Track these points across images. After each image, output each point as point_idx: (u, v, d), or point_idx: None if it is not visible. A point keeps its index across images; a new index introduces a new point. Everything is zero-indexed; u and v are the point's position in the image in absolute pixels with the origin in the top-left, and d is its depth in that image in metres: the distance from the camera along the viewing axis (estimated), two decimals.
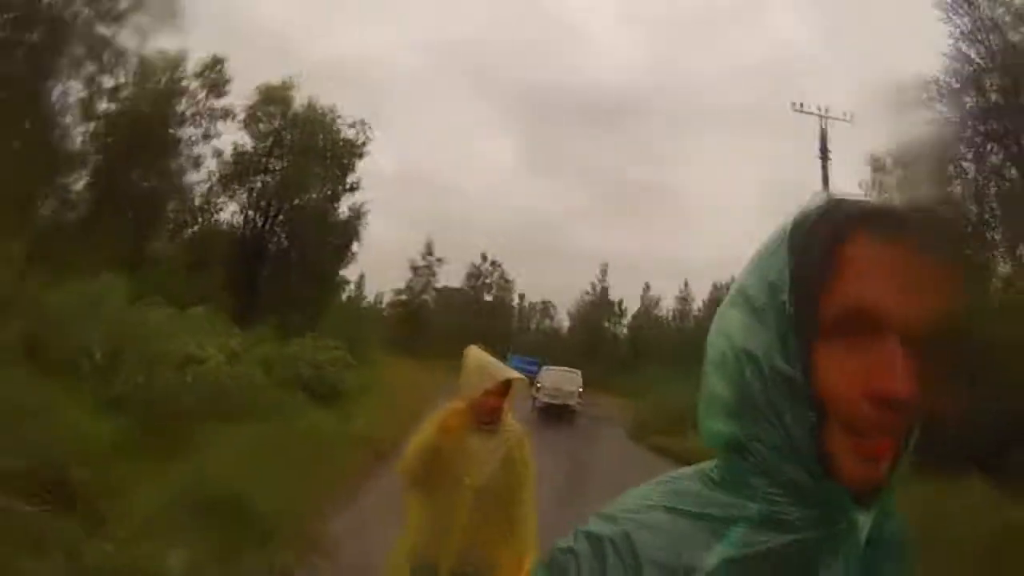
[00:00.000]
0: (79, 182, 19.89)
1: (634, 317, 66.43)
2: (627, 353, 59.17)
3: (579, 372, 29.55)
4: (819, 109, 23.21)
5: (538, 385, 26.56)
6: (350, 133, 26.53)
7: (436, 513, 3.35)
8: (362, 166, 26.94)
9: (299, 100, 25.51)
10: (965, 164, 15.41)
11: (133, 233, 20.38)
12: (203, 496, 4.73)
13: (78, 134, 19.69)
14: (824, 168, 22.86)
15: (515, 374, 3.39)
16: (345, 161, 26.36)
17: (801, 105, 23.45)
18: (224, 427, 6.60)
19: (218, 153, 23.90)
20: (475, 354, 3.48)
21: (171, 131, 22.00)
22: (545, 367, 30.05)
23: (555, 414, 24.74)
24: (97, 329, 6.08)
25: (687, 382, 17.99)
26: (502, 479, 3.40)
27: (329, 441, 8.40)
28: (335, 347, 15.75)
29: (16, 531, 3.33)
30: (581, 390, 27.80)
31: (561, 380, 27.87)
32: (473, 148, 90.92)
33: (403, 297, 59.97)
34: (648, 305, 66.07)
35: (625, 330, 66.40)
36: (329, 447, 8.08)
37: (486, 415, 3.34)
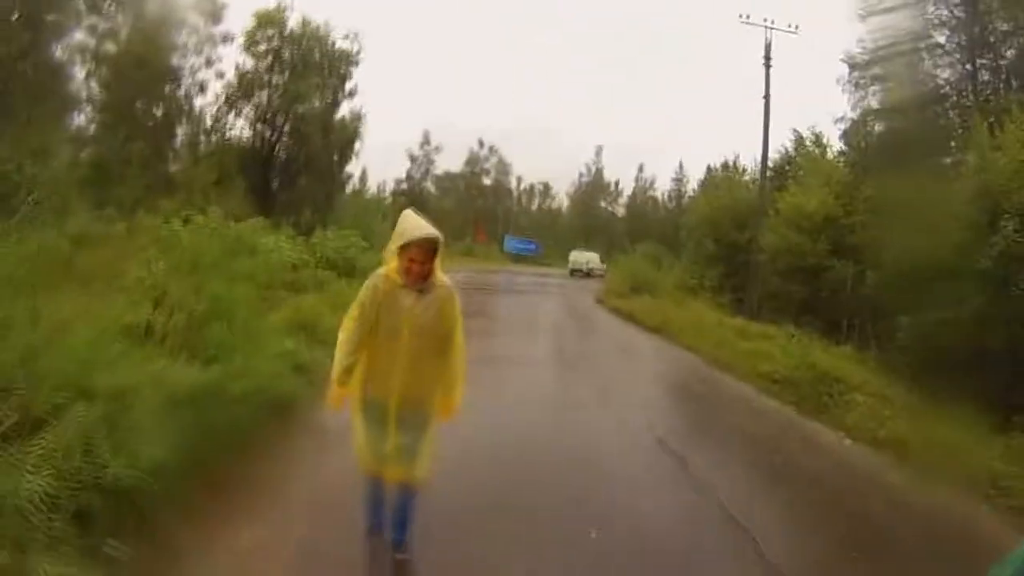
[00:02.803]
0: (91, 122, 22.40)
1: (630, 198, 69.36)
2: (624, 231, 62.38)
3: (596, 253, 51.78)
4: (765, 20, 26.73)
5: (570, 259, 51.19)
6: (344, 44, 28.49)
7: (382, 360, 3.90)
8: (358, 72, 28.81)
9: (293, 20, 27.27)
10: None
11: (153, 159, 22.67)
12: (295, 322, 9.33)
13: (84, 78, 22.03)
14: (767, 75, 26.13)
15: (421, 234, 3.69)
16: (342, 71, 28.39)
17: (748, 17, 27.10)
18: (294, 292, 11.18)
19: (221, 75, 25.91)
20: (403, 216, 3.89)
21: (171, 60, 23.83)
22: (573, 250, 53.36)
23: (579, 275, 47.11)
24: (211, 238, 9.92)
25: (654, 259, 22.99)
26: (435, 328, 3.89)
27: (351, 301, 12.65)
28: (351, 235, 19.38)
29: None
30: (599, 263, 49.37)
31: (580, 257, 51.02)
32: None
33: (404, 186, 62.15)
34: (643, 186, 68.65)
35: (623, 210, 69.53)
36: (351, 305, 12.34)
37: (413, 278, 3.80)
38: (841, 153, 22.66)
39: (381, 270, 3.93)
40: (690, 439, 7.97)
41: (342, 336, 4.01)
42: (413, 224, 3.75)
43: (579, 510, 5.32)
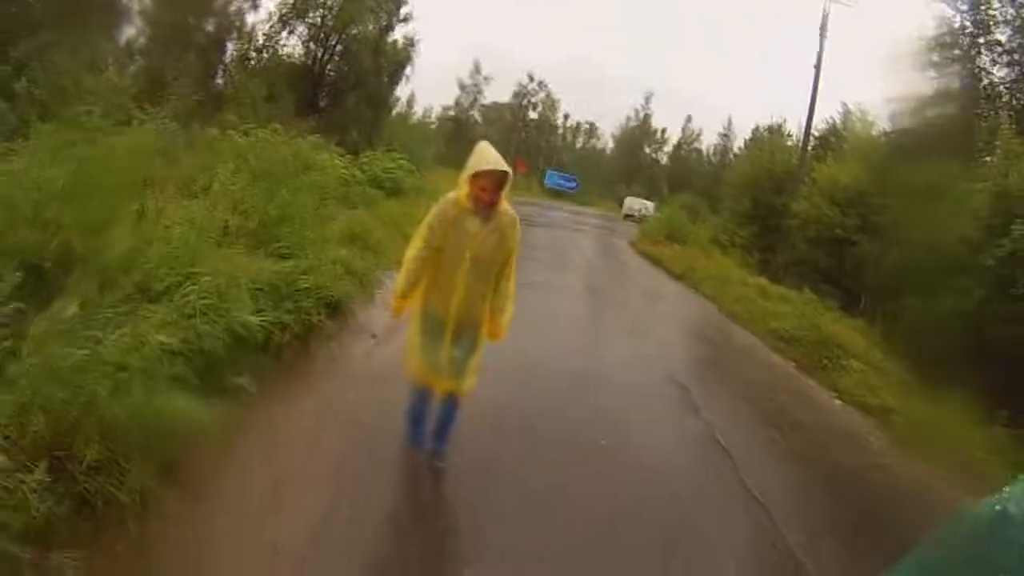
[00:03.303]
0: (140, 36, 21.72)
1: (675, 147, 68.95)
2: (665, 178, 62.47)
3: (650, 201, 50.77)
4: None
5: (624, 204, 51.29)
6: None
7: (445, 278, 4.13)
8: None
9: None
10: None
11: (203, 74, 22.66)
12: (348, 233, 10.16)
13: None
14: (821, 44, 26.03)
15: (491, 167, 3.94)
16: None
17: None
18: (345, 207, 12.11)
19: None
20: (479, 147, 4.07)
21: None
22: (627, 196, 53.54)
23: (632, 220, 44.05)
24: (276, 154, 10.64)
25: (691, 211, 23.79)
26: (495, 253, 4.13)
27: (398, 219, 13.54)
28: (400, 157, 20.21)
29: None
30: (652, 211, 46.06)
31: (634, 203, 50.26)
32: None
33: (451, 113, 62.07)
34: (689, 136, 68.08)
35: (666, 158, 69.20)
36: (398, 222, 13.13)
37: (482, 206, 4.02)
38: (885, 133, 22.68)
39: (451, 195, 4.13)
40: (695, 375, 8.79)
41: (410, 253, 4.21)
42: (486, 156, 3.97)
43: (592, 425, 6.11)
